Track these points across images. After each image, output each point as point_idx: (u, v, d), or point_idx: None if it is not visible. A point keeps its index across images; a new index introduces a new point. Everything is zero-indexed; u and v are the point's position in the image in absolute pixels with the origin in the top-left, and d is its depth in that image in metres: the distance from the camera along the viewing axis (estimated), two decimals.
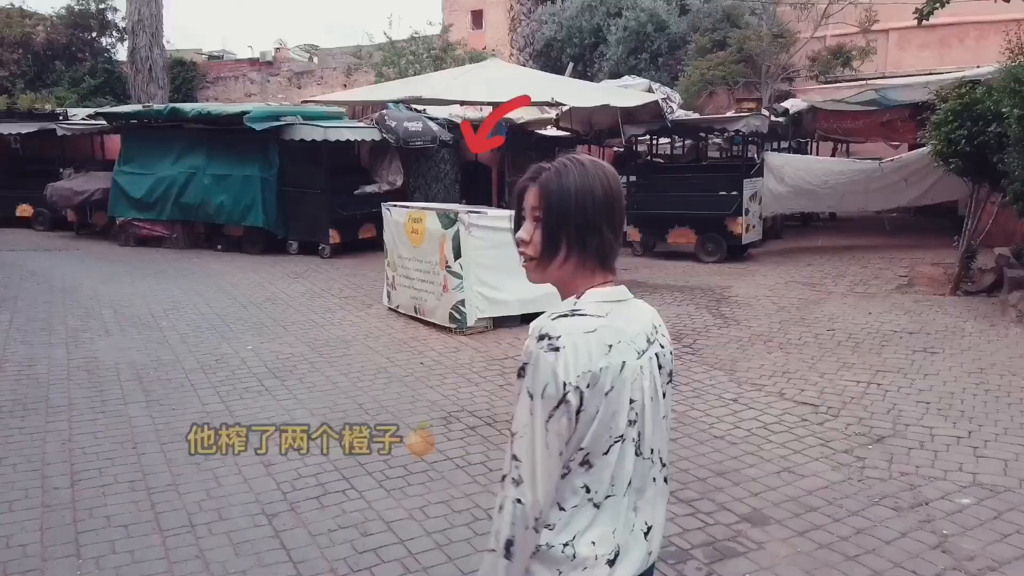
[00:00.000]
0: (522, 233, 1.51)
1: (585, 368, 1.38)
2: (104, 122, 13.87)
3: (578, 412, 1.39)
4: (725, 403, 5.38)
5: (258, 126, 11.58)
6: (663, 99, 11.17)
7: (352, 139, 12.30)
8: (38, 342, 6.93)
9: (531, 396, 1.39)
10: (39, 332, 7.28)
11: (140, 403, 5.37)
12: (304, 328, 7.58)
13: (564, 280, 1.50)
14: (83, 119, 15.01)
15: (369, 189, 12.78)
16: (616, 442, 1.43)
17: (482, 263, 7.23)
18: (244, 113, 11.63)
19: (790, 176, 11.69)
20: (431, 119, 13.47)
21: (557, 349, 1.37)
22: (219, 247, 12.74)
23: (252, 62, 33.47)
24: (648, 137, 12.34)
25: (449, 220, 7.25)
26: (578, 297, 1.48)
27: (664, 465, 1.59)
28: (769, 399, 5.44)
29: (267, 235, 12.35)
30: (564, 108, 11.85)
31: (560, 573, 1.43)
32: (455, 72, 13.81)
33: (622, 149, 16.58)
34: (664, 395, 1.55)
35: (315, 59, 35.94)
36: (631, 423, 1.45)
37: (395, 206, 8.14)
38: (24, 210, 15.10)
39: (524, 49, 24.57)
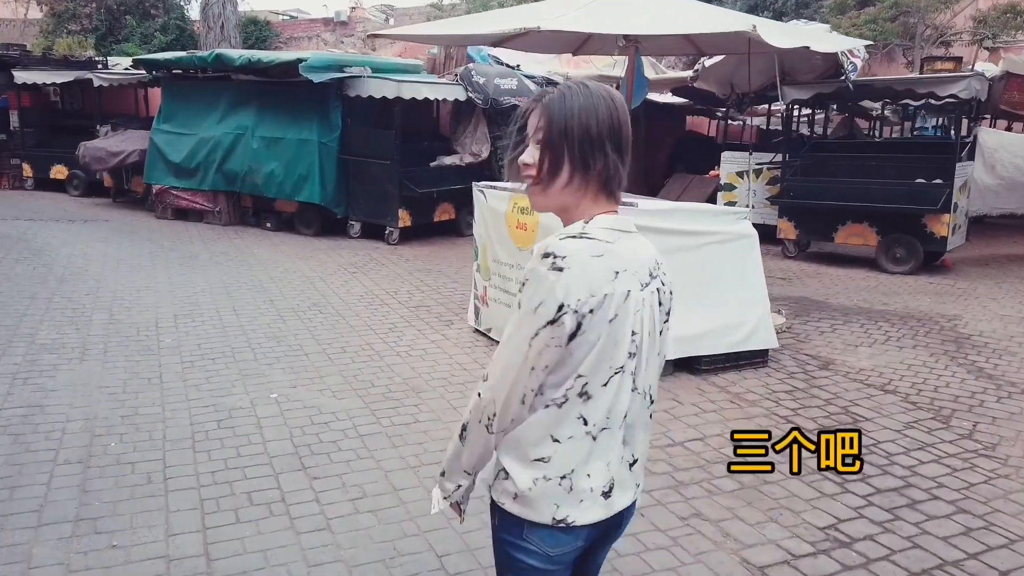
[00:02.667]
0: (526, 156, 1.45)
1: (588, 292, 1.33)
2: (144, 72, 11.83)
3: (572, 336, 1.34)
4: None
5: (316, 77, 9.29)
6: (843, 53, 8.36)
7: (432, 98, 9.90)
8: None
9: (521, 309, 1.36)
10: None
11: (63, 525, 3.11)
12: (358, 361, 5.25)
13: (567, 206, 1.45)
14: (125, 68, 13.04)
15: (448, 161, 10.40)
16: (616, 374, 1.39)
17: None
18: (300, 61, 9.35)
19: (1004, 164, 8.79)
20: (528, 77, 10.96)
21: (560, 270, 1.32)
22: (268, 225, 10.56)
23: (326, 21, 31.65)
24: (812, 105, 9.54)
25: None
26: (587, 222, 1.41)
27: (653, 402, 1.53)
28: None
29: (324, 213, 10.12)
30: (706, 62, 9.16)
31: (557, 507, 1.40)
32: None
33: (762, 121, 13.78)
34: (661, 332, 1.50)
35: (391, 20, 33.93)
36: (631, 355, 1.40)
37: (492, 188, 5.68)
38: (59, 171, 13.30)
39: None
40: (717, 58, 8.91)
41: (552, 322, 1.32)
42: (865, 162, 8.73)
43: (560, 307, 1.31)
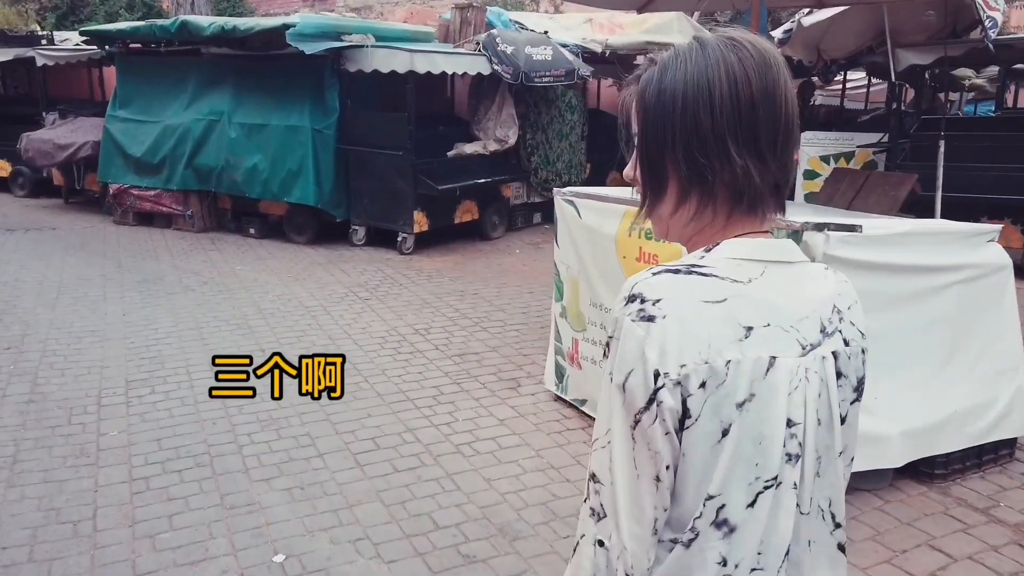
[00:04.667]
0: (628, 168, 0.98)
1: (697, 356, 0.82)
2: (95, 47, 9.84)
3: (682, 427, 0.83)
4: None
5: (308, 47, 7.38)
6: (978, 3, 6.60)
7: (451, 72, 8.03)
8: None
9: (612, 384, 0.86)
10: None
11: None
12: (401, 466, 3.47)
13: (688, 236, 0.95)
14: (76, 45, 11.00)
15: (469, 149, 8.55)
16: (768, 487, 0.86)
17: None
18: (287, 27, 7.44)
19: None
20: (562, 46, 9.11)
21: (651, 319, 0.83)
22: (251, 231, 8.67)
23: None
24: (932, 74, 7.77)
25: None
26: (708, 249, 0.91)
27: (839, 526, 0.97)
28: None
29: (320, 215, 8.26)
30: (804, 21, 7.37)
31: None
32: None
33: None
34: (844, 419, 0.94)
35: None
36: (790, 459, 0.87)
37: (590, 196, 3.84)
38: (0, 168, 11.27)
39: None
40: (817, 15, 7.12)
41: (651, 401, 0.82)
42: (1007, 143, 6.98)
43: (656, 375, 0.82)
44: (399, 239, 7.94)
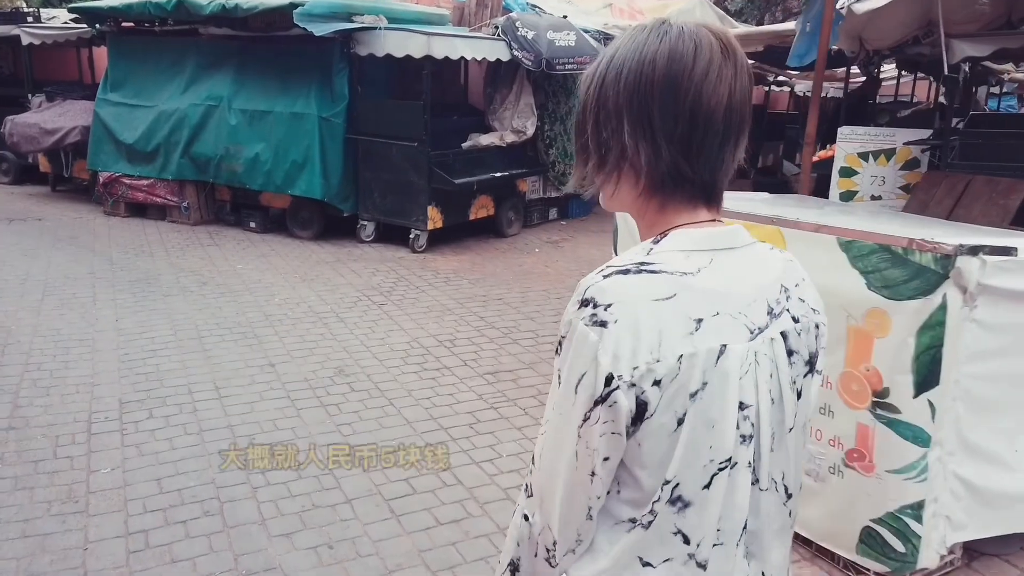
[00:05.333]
0: None
1: (651, 357, 0.85)
2: (85, 25, 9.23)
3: (639, 420, 0.87)
4: None
5: (317, 29, 6.83)
6: None
7: (469, 57, 7.49)
8: None
9: (562, 381, 0.90)
10: None
11: None
12: (427, 517, 2.97)
13: (638, 216, 0.98)
14: (65, 23, 10.37)
15: (485, 140, 8.05)
16: (722, 469, 0.90)
17: (980, 397, 2.50)
18: (294, 6, 6.87)
19: None
20: (584, 31, 8.58)
21: (604, 324, 0.86)
22: (252, 225, 8.12)
23: None
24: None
25: (936, 269, 2.35)
26: (656, 241, 0.94)
27: (790, 496, 1.01)
28: None
29: (326, 209, 7.73)
30: (855, 7, 6.85)
31: None
32: None
33: (805, 87, 11.47)
34: (799, 394, 0.98)
35: None
36: (744, 439, 0.91)
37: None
38: None
39: None
40: (869, 1, 6.62)
41: (601, 402, 0.86)
42: None
43: (609, 379, 0.85)
44: (411, 236, 7.42)
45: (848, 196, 8.23)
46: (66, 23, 10.33)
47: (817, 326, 1.00)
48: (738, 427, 0.90)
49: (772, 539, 1.00)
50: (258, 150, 7.66)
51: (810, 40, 6.26)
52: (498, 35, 7.87)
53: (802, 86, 17.34)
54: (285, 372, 4.35)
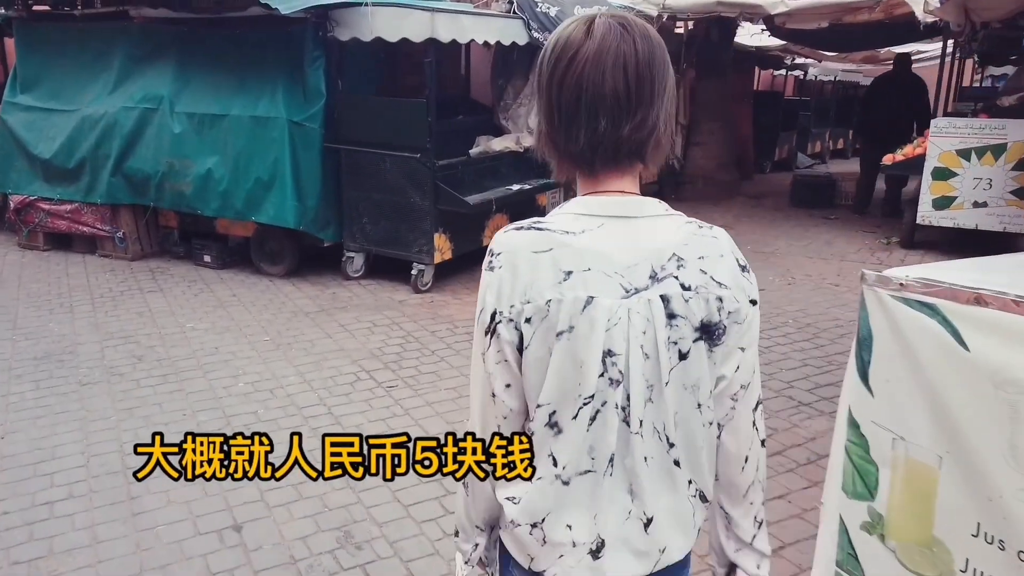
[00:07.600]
0: None
1: (523, 297, 1.06)
2: None
3: (521, 350, 1.08)
4: None
5: (284, 5, 5.14)
6: None
7: (480, 40, 5.87)
8: None
9: (477, 319, 1.14)
10: None
11: None
12: None
13: (578, 185, 1.16)
14: None
15: (498, 145, 6.43)
16: (587, 403, 1.07)
17: None
18: None
19: None
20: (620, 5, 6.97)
21: (493, 269, 1.09)
22: (206, 259, 6.41)
23: None
24: None
25: None
26: (562, 206, 1.14)
27: (672, 446, 1.12)
28: None
29: (300, 238, 6.07)
30: None
31: (532, 559, 1.15)
32: None
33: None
34: (687, 355, 1.08)
35: None
36: (612, 383, 1.07)
37: (983, 297, 1.76)
38: None
39: None
40: None
41: (490, 332, 1.09)
42: None
43: (494, 314, 1.08)
44: (413, 272, 5.79)
45: (943, 204, 6.77)
46: None
47: (720, 299, 1.07)
48: (606, 370, 1.05)
49: (656, 483, 1.11)
50: (210, 165, 5.95)
51: None
52: (513, 11, 6.27)
53: (815, 70, 15.90)
54: (258, 545, 2.72)
